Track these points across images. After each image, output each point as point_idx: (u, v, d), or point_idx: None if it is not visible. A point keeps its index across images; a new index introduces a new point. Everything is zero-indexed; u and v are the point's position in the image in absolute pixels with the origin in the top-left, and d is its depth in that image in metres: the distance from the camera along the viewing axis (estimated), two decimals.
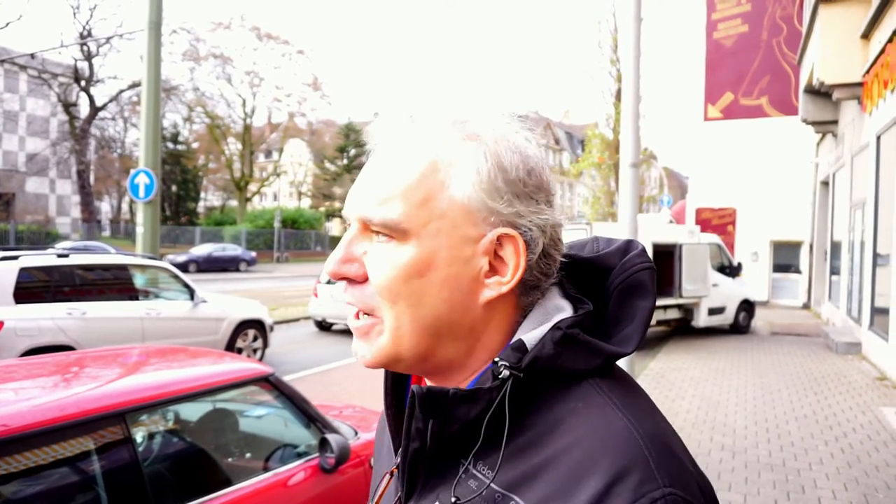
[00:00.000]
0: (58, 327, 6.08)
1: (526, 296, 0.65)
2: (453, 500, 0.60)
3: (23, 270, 6.02)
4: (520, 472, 0.57)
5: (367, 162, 0.67)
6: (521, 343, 0.62)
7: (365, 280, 0.64)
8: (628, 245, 0.69)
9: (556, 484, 0.55)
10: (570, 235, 0.68)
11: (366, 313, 0.65)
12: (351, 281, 0.65)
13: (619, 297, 0.66)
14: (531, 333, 0.62)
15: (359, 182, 0.66)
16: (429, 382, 0.70)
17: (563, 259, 0.68)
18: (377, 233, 0.63)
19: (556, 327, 0.62)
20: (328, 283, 11.67)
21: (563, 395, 0.61)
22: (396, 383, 0.74)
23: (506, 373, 0.59)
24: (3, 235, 29.92)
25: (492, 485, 0.58)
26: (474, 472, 0.60)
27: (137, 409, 2.28)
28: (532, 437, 0.59)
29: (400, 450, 0.65)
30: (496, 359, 0.61)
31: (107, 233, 45.31)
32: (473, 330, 0.64)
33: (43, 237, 31.09)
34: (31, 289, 6.10)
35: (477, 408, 0.59)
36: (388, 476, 0.74)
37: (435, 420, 0.61)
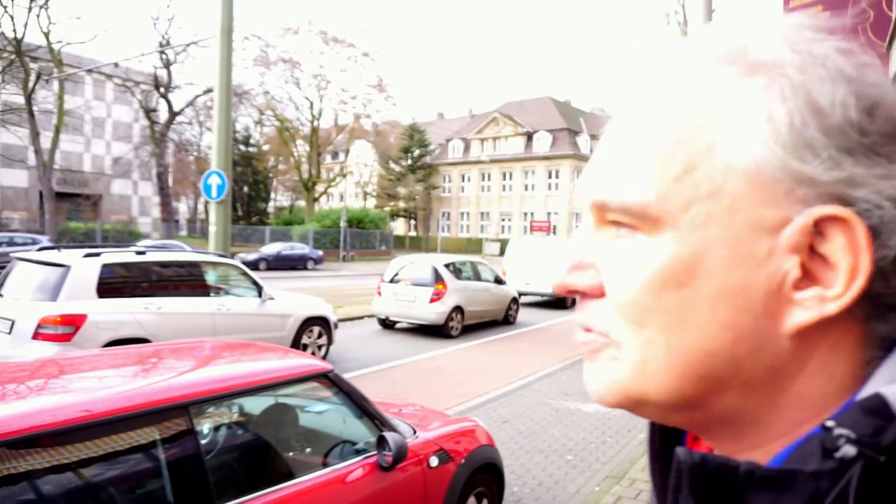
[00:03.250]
0: (136, 321, 6.39)
1: (880, 320, 0.40)
2: None
3: (105, 267, 6.37)
4: None
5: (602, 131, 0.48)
6: (880, 401, 0.36)
7: (602, 294, 0.45)
8: None
9: None
10: None
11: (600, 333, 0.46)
12: (584, 295, 0.46)
13: None
14: None
15: (593, 158, 0.47)
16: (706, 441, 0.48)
17: None
18: (616, 223, 0.44)
19: None
20: (391, 281, 11.81)
21: None
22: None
23: (849, 450, 0.35)
24: (90, 234, 31.93)
25: None
26: None
27: (200, 402, 2.35)
28: None
29: None
30: (827, 422, 0.36)
31: (184, 232, 47.58)
32: (775, 373, 0.41)
33: (126, 236, 32.94)
34: (113, 284, 6.44)
35: (789, 502, 0.36)
36: None
37: None
